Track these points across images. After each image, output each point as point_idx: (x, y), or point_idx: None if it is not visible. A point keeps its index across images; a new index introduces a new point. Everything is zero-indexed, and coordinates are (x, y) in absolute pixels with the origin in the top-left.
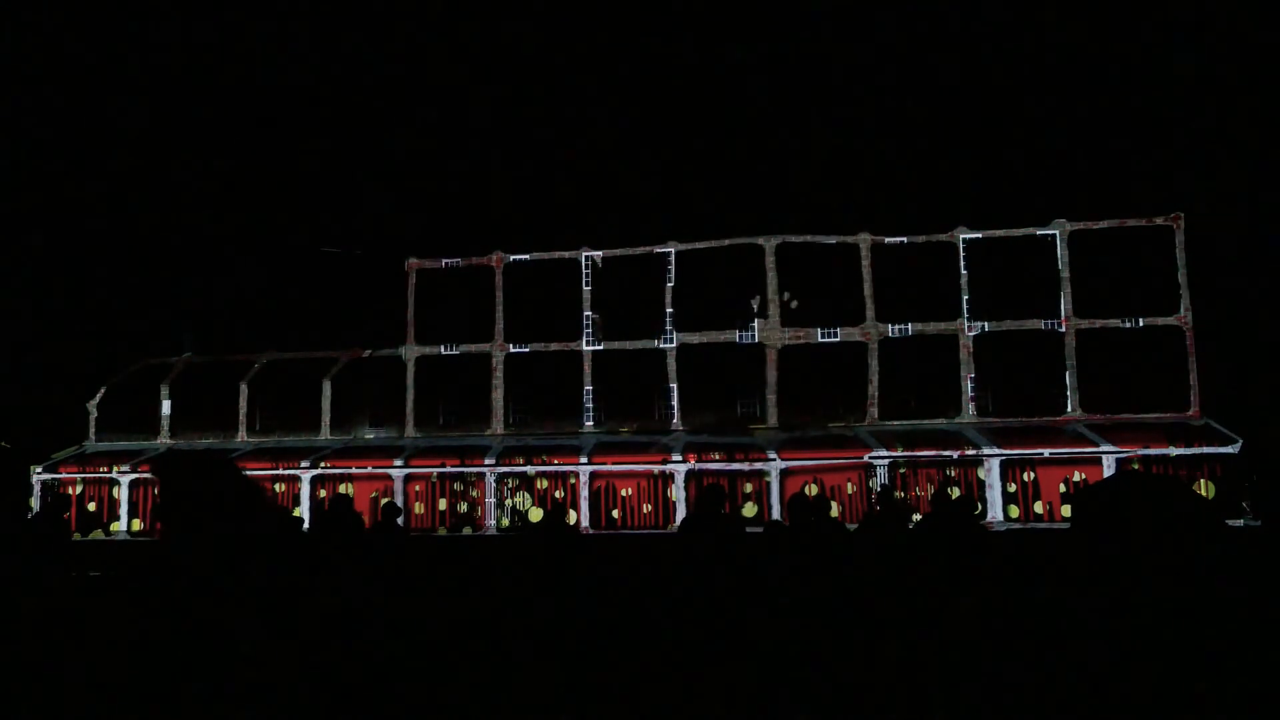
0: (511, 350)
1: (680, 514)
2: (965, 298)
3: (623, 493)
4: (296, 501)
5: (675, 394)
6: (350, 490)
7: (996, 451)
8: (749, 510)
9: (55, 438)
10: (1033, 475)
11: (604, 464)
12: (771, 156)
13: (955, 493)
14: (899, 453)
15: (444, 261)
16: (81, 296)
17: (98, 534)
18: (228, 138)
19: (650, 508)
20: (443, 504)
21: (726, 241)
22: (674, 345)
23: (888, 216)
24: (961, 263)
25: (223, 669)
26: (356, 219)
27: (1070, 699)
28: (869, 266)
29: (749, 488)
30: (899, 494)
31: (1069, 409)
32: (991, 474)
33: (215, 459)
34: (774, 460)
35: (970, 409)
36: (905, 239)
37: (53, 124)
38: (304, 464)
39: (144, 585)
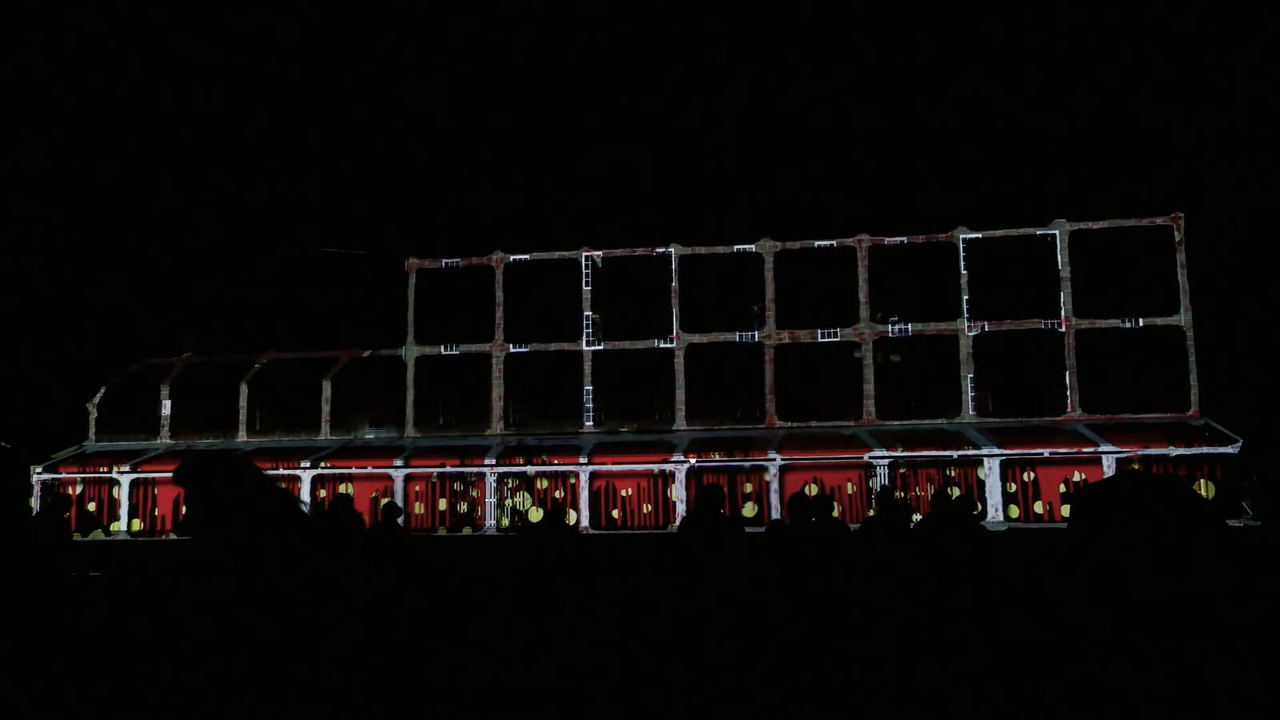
0: (511, 350)
1: (680, 514)
2: (965, 298)
3: (623, 493)
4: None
5: (680, 394)
6: (350, 490)
7: (996, 451)
8: (749, 510)
9: (55, 438)
10: (1033, 475)
11: (604, 464)
12: (771, 157)
13: (955, 492)
14: (899, 453)
15: (444, 261)
16: (81, 296)
17: (98, 534)
18: (228, 138)
19: (650, 508)
20: (443, 504)
21: (734, 248)
22: (678, 346)
23: (887, 216)
24: (961, 263)
25: (235, 667)
26: (356, 219)
27: (1070, 698)
28: (866, 267)
29: (749, 487)
30: (899, 494)
31: (1069, 409)
32: (991, 474)
33: (238, 460)
34: (774, 459)
35: (970, 409)
36: (905, 239)
37: (53, 124)
38: (304, 464)
39: (165, 585)
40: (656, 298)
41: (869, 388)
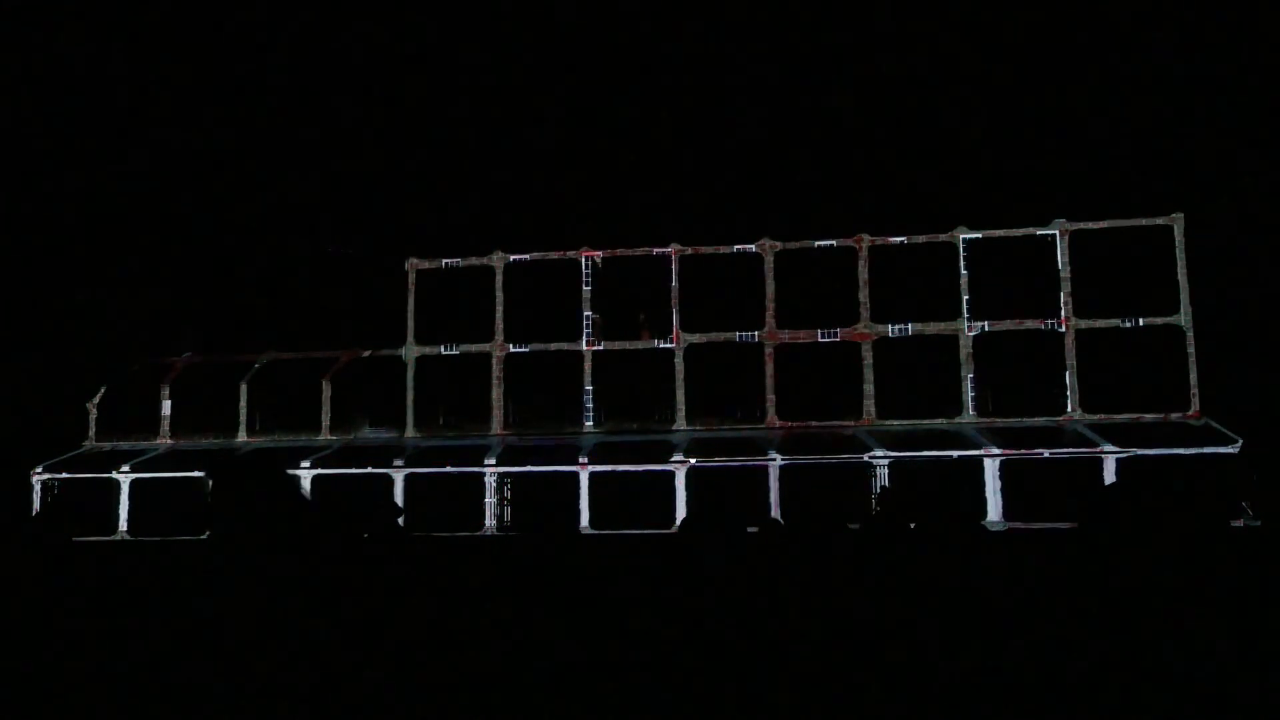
0: (511, 350)
1: (680, 514)
2: (965, 298)
3: (623, 493)
4: None
5: (680, 394)
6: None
7: (996, 451)
8: (747, 508)
9: (55, 438)
10: (1033, 475)
11: (604, 464)
12: (771, 158)
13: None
14: (900, 453)
15: (444, 261)
16: (82, 296)
17: (98, 534)
18: (229, 138)
19: (650, 508)
20: (443, 504)
21: (734, 248)
22: (678, 346)
23: (888, 217)
24: (961, 263)
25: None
26: (356, 219)
27: (1070, 696)
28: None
29: (749, 487)
30: (897, 495)
31: (1069, 409)
32: (991, 474)
33: (268, 461)
34: (774, 459)
35: (970, 409)
36: (905, 239)
37: (55, 125)
38: (304, 464)
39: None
40: (658, 298)
41: (869, 388)
